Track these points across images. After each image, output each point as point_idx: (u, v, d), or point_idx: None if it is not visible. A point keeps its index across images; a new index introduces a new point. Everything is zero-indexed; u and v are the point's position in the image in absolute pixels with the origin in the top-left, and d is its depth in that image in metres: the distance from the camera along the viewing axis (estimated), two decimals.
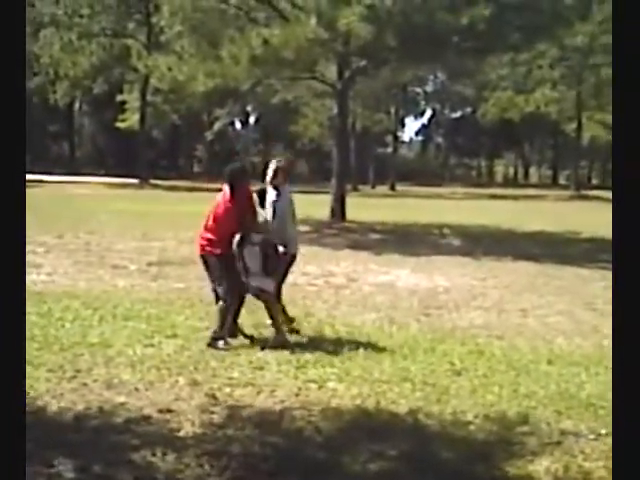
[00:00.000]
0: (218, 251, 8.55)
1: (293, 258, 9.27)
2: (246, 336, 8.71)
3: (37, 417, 5.93)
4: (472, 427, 6.07)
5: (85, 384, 6.78)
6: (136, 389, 6.70)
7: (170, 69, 25.83)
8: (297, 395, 6.74)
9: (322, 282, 13.51)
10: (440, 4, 22.54)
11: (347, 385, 7.04)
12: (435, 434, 5.91)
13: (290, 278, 13.82)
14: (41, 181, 48.06)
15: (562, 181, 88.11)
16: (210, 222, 8.70)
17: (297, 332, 9.04)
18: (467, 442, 5.77)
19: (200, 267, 14.54)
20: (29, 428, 5.57)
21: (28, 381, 6.70)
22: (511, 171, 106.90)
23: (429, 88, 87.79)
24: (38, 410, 6.08)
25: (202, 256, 8.79)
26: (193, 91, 27.52)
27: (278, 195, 9.05)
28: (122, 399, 6.41)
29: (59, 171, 62.32)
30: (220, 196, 8.78)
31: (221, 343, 8.29)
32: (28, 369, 7.06)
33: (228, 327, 8.50)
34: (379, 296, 12.25)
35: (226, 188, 8.75)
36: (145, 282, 12.81)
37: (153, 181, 56.27)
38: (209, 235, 8.65)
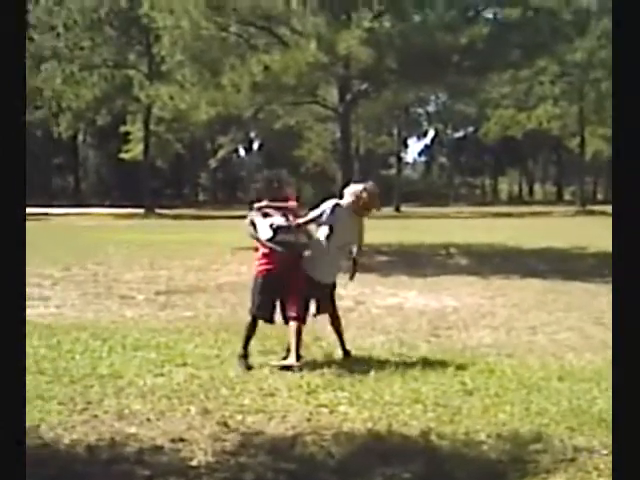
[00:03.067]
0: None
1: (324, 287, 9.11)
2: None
3: (49, 450, 5.92)
4: (485, 447, 6.04)
5: (96, 416, 6.77)
6: (147, 419, 6.68)
7: (172, 98, 25.94)
8: (309, 420, 6.71)
9: None
10: (439, 24, 22.66)
11: (358, 409, 7.02)
12: (448, 455, 5.88)
13: None
14: (46, 214, 48.23)
15: (567, 197, 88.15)
16: None
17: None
18: (480, 462, 5.74)
19: (208, 295, 14.61)
20: (42, 461, 5.63)
21: (39, 414, 6.72)
22: (515, 189, 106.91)
23: (431, 108, 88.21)
24: (50, 443, 6.07)
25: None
26: (196, 120, 27.66)
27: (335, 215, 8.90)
28: (134, 430, 6.39)
29: (64, 203, 62.62)
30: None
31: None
32: (39, 402, 7.08)
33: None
34: (388, 318, 12.24)
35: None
36: (153, 311, 12.82)
37: (158, 210, 56.40)
38: None
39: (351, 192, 9.04)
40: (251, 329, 8.90)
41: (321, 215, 8.85)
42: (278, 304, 8.94)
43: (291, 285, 8.82)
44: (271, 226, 8.62)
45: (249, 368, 8.53)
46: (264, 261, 8.89)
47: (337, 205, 8.93)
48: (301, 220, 8.84)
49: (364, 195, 8.99)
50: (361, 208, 9.05)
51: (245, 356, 8.73)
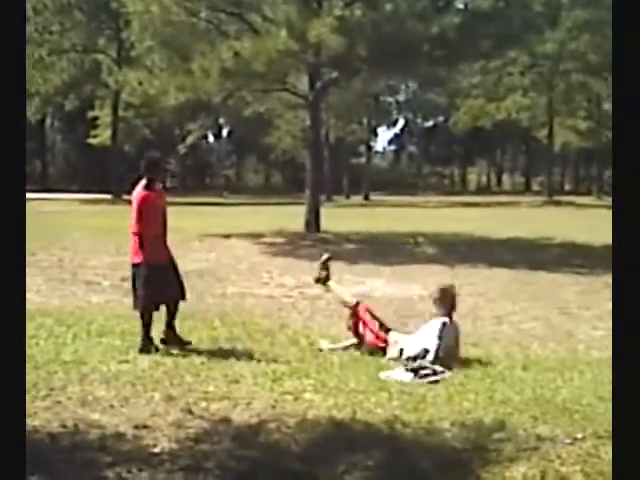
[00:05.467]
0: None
1: None
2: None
3: None
4: (449, 435, 6.06)
5: (59, 402, 6.72)
6: (111, 406, 6.64)
7: (141, 83, 25.77)
8: (273, 407, 6.71)
9: (297, 293, 13.53)
10: (410, 13, 22.66)
11: (323, 396, 7.02)
12: (412, 442, 5.90)
13: (265, 290, 13.94)
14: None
15: (535, 187, 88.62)
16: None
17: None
18: (444, 450, 5.76)
19: None
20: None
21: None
22: (484, 179, 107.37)
23: (401, 97, 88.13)
24: None
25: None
26: (164, 105, 27.48)
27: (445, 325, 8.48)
28: (97, 416, 6.35)
29: (31, 188, 61.98)
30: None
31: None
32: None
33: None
34: None
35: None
36: (119, 298, 12.74)
37: (126, 196, 55.98)
38: None
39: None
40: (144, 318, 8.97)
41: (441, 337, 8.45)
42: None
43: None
44: None
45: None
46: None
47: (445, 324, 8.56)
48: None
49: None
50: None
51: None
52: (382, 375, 7.69)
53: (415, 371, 7.76)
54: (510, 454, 5.64)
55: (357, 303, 8.87)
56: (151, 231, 8.85)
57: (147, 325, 8.81)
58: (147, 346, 8.68)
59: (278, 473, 5.28)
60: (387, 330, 8.62)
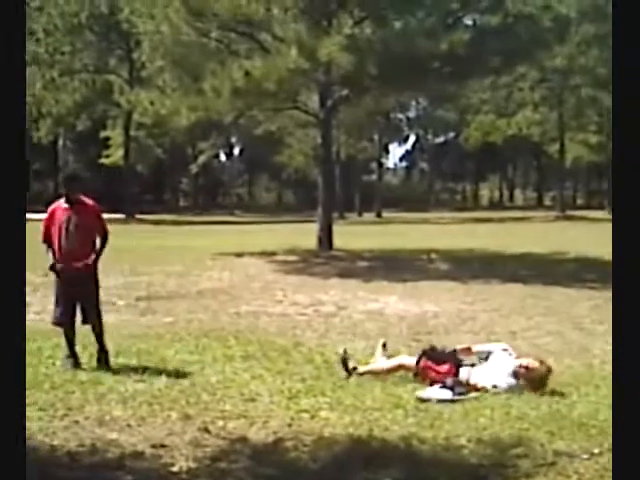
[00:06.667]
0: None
1: None
2: None
3: (30, 456, 5.88)
4: (465, 451, 6.07)
5: (77, 422, 6.75)
6: (128, 425, 6.67)
7: (152, 103, 25.90)
8: (290, 426, 6.72)
9: (311, 311, 13.54)
10: (419, 30, 22.76)
11: (339, 414, 7.03)
12: (429, 459, 5.91)
13: (279, 308, 13.97)
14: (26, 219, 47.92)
15: (547, 202, 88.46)
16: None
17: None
18: (461, 466, 5.77)
19: (189, 300, 14.63)
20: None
21: None
22: (496, 194, 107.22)
23: (412, 114, 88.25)
24: (30, 449, 6.04)
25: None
26: (176, 125, 27.65)
27: None
28: (115, 435, 6.38)
29: (43, 209, 62.24)
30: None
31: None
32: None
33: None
34: (369, 323, 12.28)
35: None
36: (134, 317, 12.81)
37: (139, 216, 56.21)
38: None
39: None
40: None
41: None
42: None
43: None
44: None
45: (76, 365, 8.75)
46: None
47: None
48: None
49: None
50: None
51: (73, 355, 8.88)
52: (419, 394, 7.64)
53: (452, 388, 7.74)
54: (527, 470, 5.65)
55: (418, 361, 8.43)
56: (54, 244, 8.90)
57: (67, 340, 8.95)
58: (70, 360, 8.77)
59: None
60: (457, 366, 8.37)
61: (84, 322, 9.00)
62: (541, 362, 8.04)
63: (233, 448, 6.13)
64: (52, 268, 8.94)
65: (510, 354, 8.38)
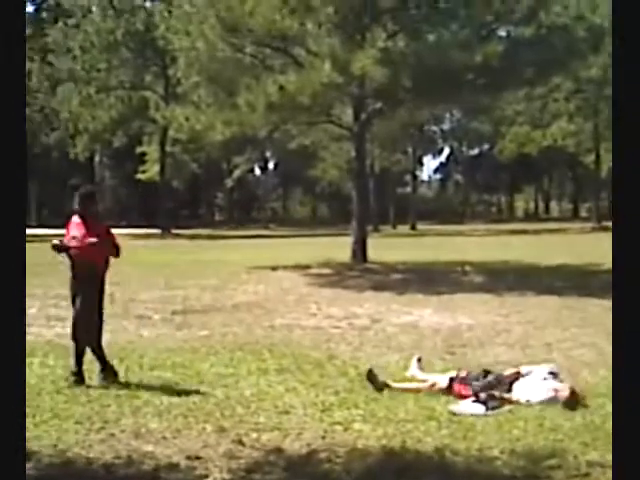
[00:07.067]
0: None
1: None
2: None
3: (66, 468, 6.00)
4: (498, 462, 6.08)
5: (113, 434, 6.84)
6: (164, 437, 6.75)
7: (188, 119, 26.12)
8: (323, 438, 6.77)
9: (345, 324, 13.56)
10: (453, 43, 22.73)
11: (373, 426, 7.07)
12: (462, 471, 5.92)
13: (313, 321, 14.02)
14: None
15: (583, 214, 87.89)
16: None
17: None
18: (494, 477, 5.79)
19: (224, 314, 14.71)
20: (59, 479, 5.70)
21: (56, 433, 6.81)
22: (532, 206, 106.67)
23: (446, 126, 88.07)
24: (68, 462, 6.15)
25: None
26: (211, 140, 27.85)
27: None
28: (150, 448, 6.46)
29: None
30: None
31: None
32: (56, 421, 7.18)
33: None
34: (403, 336, 12.28)
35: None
36: (169, 331, 12.91)
37: (175, 230, 56.62)
38: None
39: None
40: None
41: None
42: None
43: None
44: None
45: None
46: None
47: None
48: None
49: None
50: None
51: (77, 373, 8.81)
52: (452, 408, 7.65)
53: (485, 403, 7.73)
54: None
55: (450, 382, 8.35)
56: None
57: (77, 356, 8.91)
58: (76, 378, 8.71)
59: None
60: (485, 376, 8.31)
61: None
62: (572, 393, 7.97)
63: (267, 460, 6.19)
64: (56, 247, 8.96)
65: (556, 377, 8.30)
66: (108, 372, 8.86)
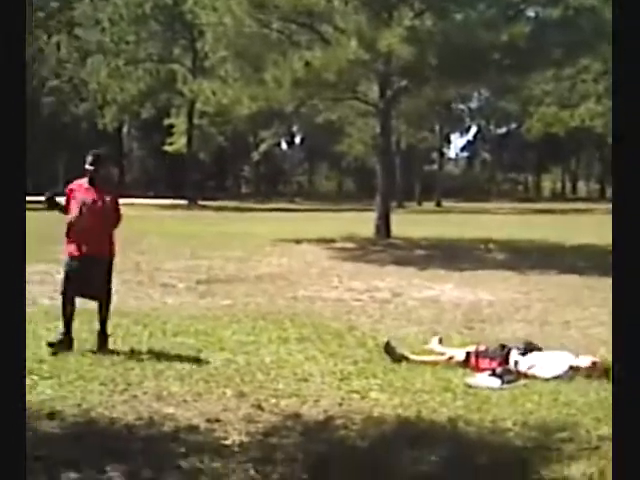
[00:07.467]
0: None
1: None
2: None
3: (90, 427, 6.17)
4: (511, 434, 6.19)
5: (136, 396, 7.02)
6: (185, 400, 6.92)
7: (215, 93, 26.23)
8: (340, 405, 6.91)
9: (367, 297, 13.69)
10: (480, 22, 22.69)
11: (389, 395, 7.20)
12: (474, 441, 6.04)
13: (335, 294, 14.17)
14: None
15: (610, 194, 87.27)
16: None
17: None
18: (505, 448, 5.89)
19: (247, 284, 14.89)
20: (83, 437, 5.88)
21: (81, 394, 6.99)
22: (559, 185, 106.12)
23: (473, 105, 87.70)
24: (91, 421, 6.32)
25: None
26: (238, 114, 27.95)
27: None
28: (171, 410, 6.63)
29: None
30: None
31: None
32: (81, 383, 7.36)
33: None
34: (423, 310, 12.39)
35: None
36: (193, 299, 13.10)
37: (201, 202, 56.87)
38: None
39: None
40: (65, 310, 8.91)
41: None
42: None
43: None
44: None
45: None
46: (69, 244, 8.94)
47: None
48: None
49: None
50: None
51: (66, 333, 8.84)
52: (468, 381, 7.77)
53: (501, 376, 7.85)
54: (571, 453, 5.74)
55: (468, 356, 8.45)
56: (73, 223, 8.85)
57: (65, 319, 8.86)
58: (60, 341, 8.73)
59: (344, 465, 5.47)
60: (507, 354, 8.40)
61: (93, 299, 8.99)
62: (594, 363, 8.05)
63: (284, 425, 6.33)
64: (49, 200, 8.89)
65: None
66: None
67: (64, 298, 8.89)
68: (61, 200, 9.00)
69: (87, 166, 8.93)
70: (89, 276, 8.81)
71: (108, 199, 8.97)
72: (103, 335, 8.93)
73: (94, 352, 8.58)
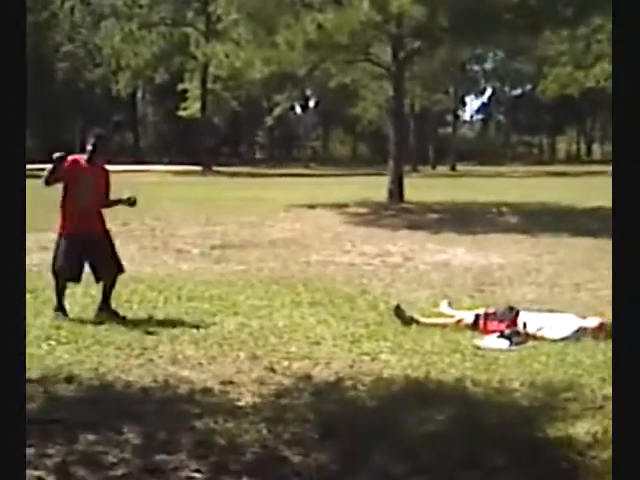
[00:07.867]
0: None
1: None
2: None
3: (106, 390, 6.34)
4: (517, 394, 6.32)
5: (151, 360, 7.18)
6: (199, 364, 7.08)
7: (228, 56, 26.27)
8: (351, 367, 7.06)
9: (378, 261, 13.82)
10: None
11: (399, 357, 7.35)
12: (481, 400, 6.18)
13: (347, 258, 14.30)
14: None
15: None
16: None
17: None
18: (512, 407, 6.02)
19: (261, 249, 15.03)
20: (99, 400, 6.05)
21: (97, 358, 7.16)
22: (574, 148, 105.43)
23: (488, 66, 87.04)
24: (107, 384, 6.48)
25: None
26: (251, 78, 27.95)
27: None
28: (186, 373, 6.79)
29: (123, 160, 63.29)
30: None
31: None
32: (97, 347, 7.54)
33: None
34: (434, 274, 12.52)
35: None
36: (208, 265, 13.27)
37: (215, 168, 56.89)
38: None
39: None
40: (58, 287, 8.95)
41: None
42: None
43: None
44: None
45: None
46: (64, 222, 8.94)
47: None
48: None
49: None
50: None
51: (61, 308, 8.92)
52: (477, 342, 7.91)
53: (510, 338, 7.98)
54: (575, 412, 5.86)
55: (477, 318, 8.59)
56: (68, 194, 8.90)
57: (58, 293, 8.90)
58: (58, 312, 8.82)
59: (354, 424, 5.61)
60: (516, 316, 8.50)
61: (97, 280, 9.02)
62: (601, 324, 8.16)
63: (296, 386, 6.49)
64: (60, 159, 8.78)
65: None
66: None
67: (56, 277, 8.91)
68: None
69: (88, 146, 8.98)
70: (91, 256, 8.91)
71: (102, 177, 9.16)
72: (105, 303, 8.99)
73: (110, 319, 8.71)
